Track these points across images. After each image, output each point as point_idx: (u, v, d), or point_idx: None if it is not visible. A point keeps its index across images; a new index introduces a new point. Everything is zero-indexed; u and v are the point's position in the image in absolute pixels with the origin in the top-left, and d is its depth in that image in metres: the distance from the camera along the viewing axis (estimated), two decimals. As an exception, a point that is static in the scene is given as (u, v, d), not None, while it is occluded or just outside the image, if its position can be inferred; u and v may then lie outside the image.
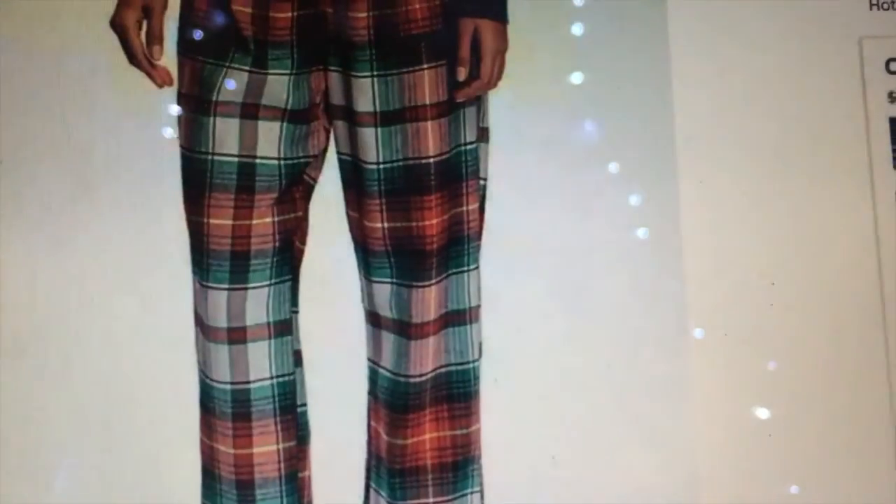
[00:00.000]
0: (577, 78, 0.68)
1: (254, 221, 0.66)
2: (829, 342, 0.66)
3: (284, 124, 0.66)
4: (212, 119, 0.66)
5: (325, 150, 0.69)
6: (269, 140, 0.66)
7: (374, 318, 0.68)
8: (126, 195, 0.68)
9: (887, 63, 0.68)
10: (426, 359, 0.67)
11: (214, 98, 0.65)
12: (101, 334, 0.67)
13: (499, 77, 0.69)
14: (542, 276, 0.67)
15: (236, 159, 0.66)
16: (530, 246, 0.68)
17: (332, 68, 0.66)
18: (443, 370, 0.68)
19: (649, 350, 0.65)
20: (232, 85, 0.67)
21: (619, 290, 0.66)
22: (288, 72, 0.66)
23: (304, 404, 0.69)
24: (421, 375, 0.67)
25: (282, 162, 0.66)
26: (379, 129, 0.66)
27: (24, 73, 0.70)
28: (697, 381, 0.66)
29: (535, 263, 0.68)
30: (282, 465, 0.67)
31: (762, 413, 0.65)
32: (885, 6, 0.68)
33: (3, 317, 0.67)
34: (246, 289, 0.66)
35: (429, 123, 0.66)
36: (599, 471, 0.65)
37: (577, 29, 0.68)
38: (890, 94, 0.68)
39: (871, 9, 0.68)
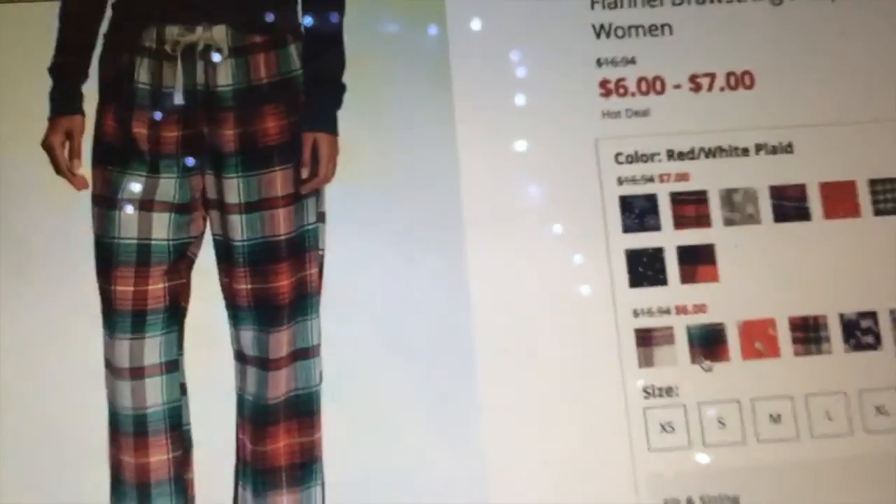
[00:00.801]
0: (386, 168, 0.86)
1: (149, 287, 0.80)
2: (577, 371, 0.83)
3: (172, 215, 0.81)
4: (117, 212, 0.80)
5: (202, 233, 0.83)
6: (161, 226, 0.81)
7: (240, 356, 0.82)
8: (52, 271, 0.81)
9: (616, 156, 0.87)
10: (280, 385, 0.81)
11: (119, 196, 0.81)
12: (35, 378, 0.80)
13: (332, 174, 0.84)
14: (366, 320, 0.82)
15: (135, 241, 0.80)
16: (359, 299, 0.83)
17: (208, 172, 0.81)
18: (293, 393, 0.81)
19: (445, 372, 0.82)
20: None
21: (424, 328, 0.83)
22: (175, 175, 0.81)
23: (188, 423, 0.81)
24: (276, 398, 0.81)
25: (170, 243, 0.81)
26: (244, 216, 0.81)
27: None
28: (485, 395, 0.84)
29: (362, 311, 0.82)
30: (171, 469, 0.79)
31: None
32: (613, 115, 0.89)
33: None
34: (143, 338, 0.80)
35: (280, 210, 0.81)
36: (413, 467, 0.80)
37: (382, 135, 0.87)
38: (619, 179, 0.87)
39: (602, 118, 0.88)
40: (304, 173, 0.83)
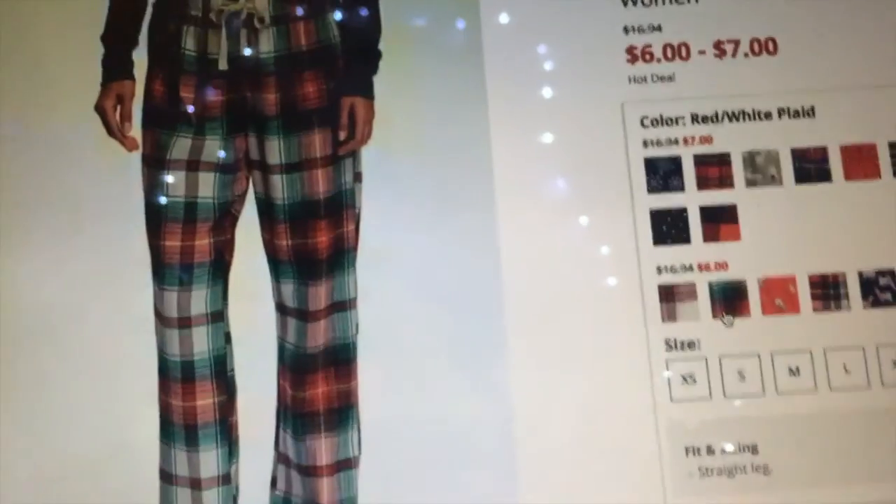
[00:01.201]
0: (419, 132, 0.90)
1: (196, 242, 0.84)
2: (602, 324, 0.86)
3: (217, 174, 0.85)
4: (166, 172, 0.85)
5: (245, 192, 0.87)
6: (207, 185, 0.85)
7: (281, 308, 0.86)
8: (106, 228, 0.86)
9: (641, 120, 0.90)
10: (319, 336, 0.85)
11: (168, 157, 0.85)
12: (91, 328, 0.84)
13: (368, 137, 0.87)
14: (400, 275, 0.86)
15: (183, 199, 0.84)
16: (393, 254, 0.86)
17: (251, 134, 0.85)
18: (331, 343, 0.85)
19: (474, 323, 0.86)
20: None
21: (454, 282, 0.86)
22: (219, 137, 0.85)
23: (233, 370, 0.85)
24: (315, 347, 0.85)
25: (215, 201, 0.85)
26: (284, 176, 0.85)
27: (27, 139, 0.87)
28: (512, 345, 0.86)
29: (396, 266, 0.86)
30: (217, 413, 0.84)
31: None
32: (639, 81, 0.91)
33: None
34: (190, 290, 0.84)
35: (319, 171, 0.85)
36: (443, 412, 0.84)
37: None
38: (644, 141, 0.90)
39: (629, 83, 0.91)
40: (342, 136, 0.86)
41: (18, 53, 0.88)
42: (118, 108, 0.87)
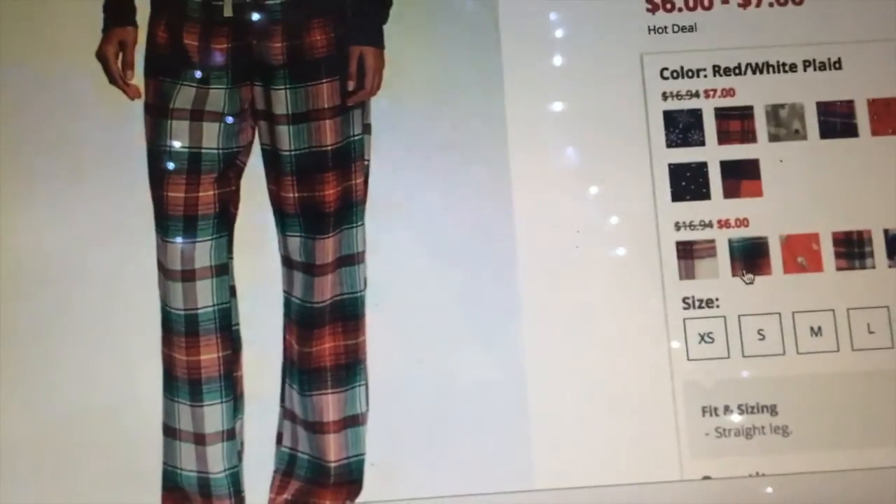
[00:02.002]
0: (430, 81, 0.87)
1: (200, 194, 0.83)
2: (618, 281, 0.83)
3: (222, 124, 0.83)
4: (169, 121, 0.83)
5: (251, 143, 0.85)
6: (211, 136, 0.83)
7: (287, 262, 0.84)
8: (107, 177, 0.84)
9: (661, 71, 0.87)
10: (326, 290, 0.83)
11: (171, 106, 0.82)
12: (92, 278, 0.83)
13: (377, 87, 0.85)
14: (410, 228, 0.84)
15: (187, 150, 0.83)
16: (403, 208, 0.84)
17: (257, 83, 0.83)
18: (338, 298, 0.84)
19: (485, 279, 0.84)
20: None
21: (465, 237, 0.84)
22: (224, 86, 0.83)
23: (237, 324, 0.84)
24: (322, 302, 0.83)
25: (220, 151, 0.83)
26: (291, 127, 0.83)
27: (27, 86, 0.85)
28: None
29: (405, 220, 0.84)
30: (221, 367, 0.82)
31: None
32: (659, 31, 0.89)
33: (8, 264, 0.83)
34: (195, 242, 0.82)
35: (327, 122, 0.83)
36: (454, 368, 0.82)
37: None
38: (663, 94, 0.87)
39: (648, 33, 0.88)
40: (350, 86, 0.84)
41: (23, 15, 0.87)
42: (120, 55, 0.85)
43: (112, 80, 0.84)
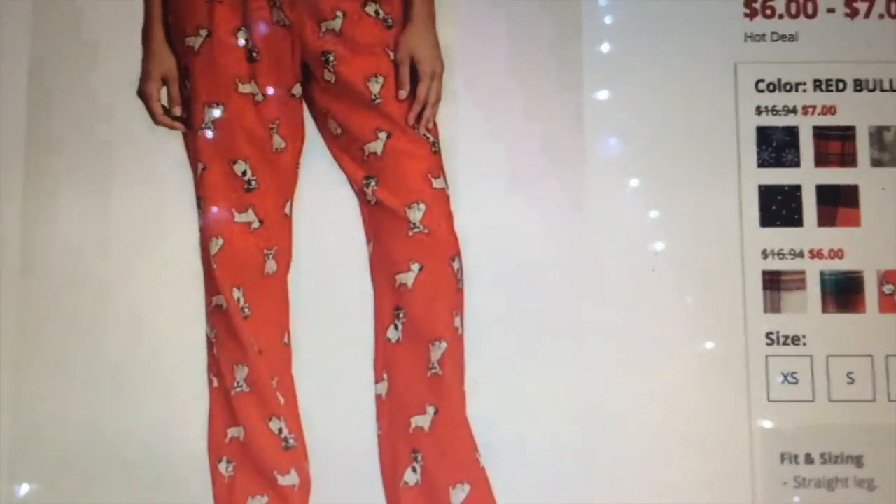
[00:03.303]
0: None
1: None
2: (696, 309, 0.78)
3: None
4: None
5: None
6: None
7: None
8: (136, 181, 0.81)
9: (756, 83, 0.81)
10: None
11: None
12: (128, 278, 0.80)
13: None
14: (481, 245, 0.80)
15: None
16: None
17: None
18: None
19: (554, 302, 0.79)
20: None
21: (535, 251, 0.80)
22: None
23: None
24: None
25: None
26: None
27: (63, 90, 0.81)
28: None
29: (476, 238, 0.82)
30: None
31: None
32: (757, 38, 0.83)
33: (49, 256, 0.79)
34: None
35: None
36: (511, 394, 0.78)
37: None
38: (757, 108, 0.80)
39: (744, 40, 0.81)
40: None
41: (62, 20, 0.82)
42: (164, 90, 0.80)
43: (157, 121, 0.79)
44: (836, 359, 0.77)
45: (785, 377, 0.77)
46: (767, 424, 0.77)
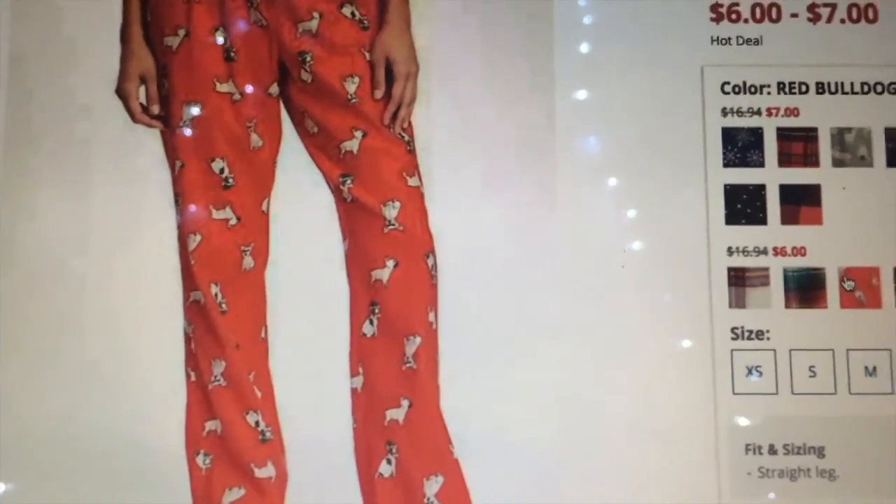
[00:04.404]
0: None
1: None
2: (665, 305, 0.80)
3: None
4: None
5: None
6: None
7: None
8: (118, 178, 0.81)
9: (722, 85, 0.83)
10: None
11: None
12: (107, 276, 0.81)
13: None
14: (454, 242, 0.82)
15: None
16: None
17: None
18: None
19: (527, 298, 0.81)
20: None
21: (508, 248, 0.82)
22: None
23: None
24: None
25: None
26: None
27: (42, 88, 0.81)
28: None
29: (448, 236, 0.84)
30: None
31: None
32: (723, 42, 0.84)
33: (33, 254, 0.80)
34: None
35: None
36: (485, 388, 0.79)
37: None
38: (723, 109, 0.82)
39: (711, 44, 0.83)
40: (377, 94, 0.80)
41: (41, 19, 0.82)
42: (142, 88, 0.81)
43: (135, 119, 0.80)
44: (799, 353, 0.79)
45: (749, 370, 0.79)
46: (733, 417, 0.79)
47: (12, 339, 0.79)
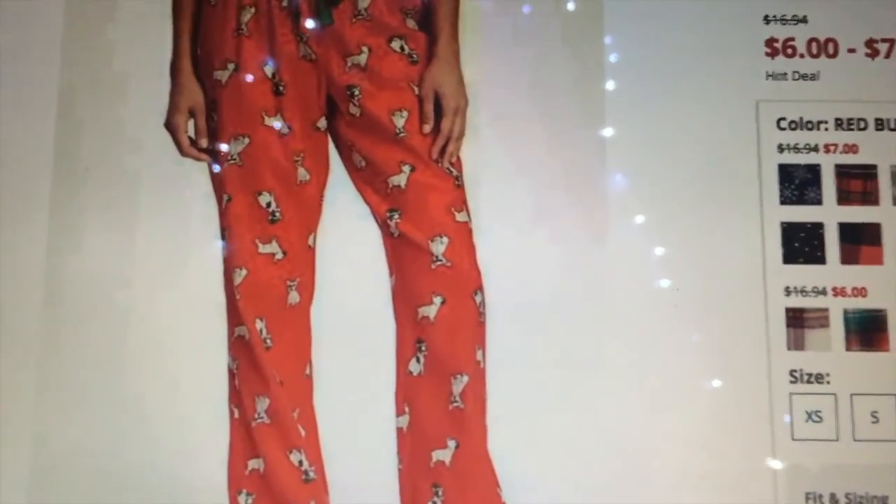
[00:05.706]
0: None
1: None
2: (719, 346, 0.78)
3: None
4: None
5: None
6: None
7: None
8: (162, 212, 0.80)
9: (778, 121, 0.81)
10: None
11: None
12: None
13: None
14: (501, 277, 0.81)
15: None
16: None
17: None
18: None
19: (573, 335, 0.80)
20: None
21: (555, 282, 0.80)
22: None
23: None
24: None
25: None
26: None
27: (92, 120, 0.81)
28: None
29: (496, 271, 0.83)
30: None
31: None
32: (778, 77, 0.83)
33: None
34: None
35: None
36: (529, 429, 0.78)
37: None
38: (779, 146, 0.81)
39: (766, 79, 0.82)
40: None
41: (91, 51, 0.83)
42: (191, 122, 0.81)
43: (183, 152, 0.80)
44: (861, 397, 0.77)
45: (809, 415, 0.76)
46: (792, 463, 0.76)
47: (55, 372, 0.78)
